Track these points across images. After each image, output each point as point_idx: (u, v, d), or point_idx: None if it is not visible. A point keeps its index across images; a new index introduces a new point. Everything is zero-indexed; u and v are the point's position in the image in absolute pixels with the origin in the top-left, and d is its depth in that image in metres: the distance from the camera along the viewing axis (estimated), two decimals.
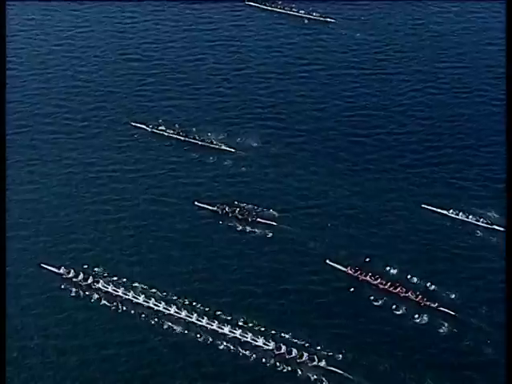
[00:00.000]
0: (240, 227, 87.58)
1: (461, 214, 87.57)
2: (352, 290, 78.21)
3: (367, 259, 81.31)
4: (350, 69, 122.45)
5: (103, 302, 77.83)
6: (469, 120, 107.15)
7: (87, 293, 78.84)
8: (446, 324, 73.84)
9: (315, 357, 69.62)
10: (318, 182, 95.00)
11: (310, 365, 69.48)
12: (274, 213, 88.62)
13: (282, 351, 70.39)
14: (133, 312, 76.46)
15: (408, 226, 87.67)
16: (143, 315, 75.96)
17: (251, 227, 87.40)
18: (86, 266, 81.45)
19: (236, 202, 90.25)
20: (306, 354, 69.75)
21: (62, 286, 79.69)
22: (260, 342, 71.48)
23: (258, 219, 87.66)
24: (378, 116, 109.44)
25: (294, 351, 70.34)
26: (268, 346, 71.09)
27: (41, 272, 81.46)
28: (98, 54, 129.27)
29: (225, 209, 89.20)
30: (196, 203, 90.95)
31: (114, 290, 78.32)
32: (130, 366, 70.85)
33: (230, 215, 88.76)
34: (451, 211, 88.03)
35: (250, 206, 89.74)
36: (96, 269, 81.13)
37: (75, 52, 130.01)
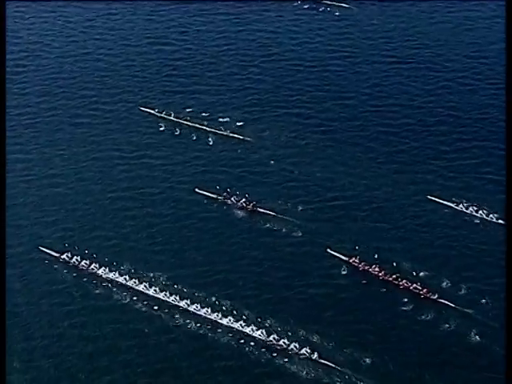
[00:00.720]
0: (254, 219, 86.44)
1: (478, 209, 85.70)
2: (345, 272, 77.86)
3: (356, 247, 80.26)
4: (380, 57, 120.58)
5: (115, 293, 77.02)
6: (502, 113, 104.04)
7: (96, 281, 78.25)
8: (451, 319, 72.61)
9: (308, 349, 68.77)
10: (343, 173, 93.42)
11: (302, 357, 68.66)
12: (300, 207, 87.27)
13: (280, 343, 69.78)
14: (143, 303, 75.55)
15: (433, 221, 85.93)
16: (154, 307, 74.99)
17: (266, 220, 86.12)
18: (106, 259, 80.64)
19: (247, 195, 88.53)
20: (304, 349, 68.97)
21: (75, 274, 79.21)
22: (270, 337, 70.65)
23: (259, 209, 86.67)
24: (408, 107, 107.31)
25: (293, 345, 69.49)
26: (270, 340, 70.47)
27: (57, 260, 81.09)
28: (126, 37, 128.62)
29: (230, 198, 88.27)
30: (196, 190, 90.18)
31: (125, 280, 77.60)
32: (141, 361, 69.93)
33: (230, 203, 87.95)
34: (471, 207, 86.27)
35: (251, 195, 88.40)
36: (116, 262, 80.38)
37: (104, 35, 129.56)
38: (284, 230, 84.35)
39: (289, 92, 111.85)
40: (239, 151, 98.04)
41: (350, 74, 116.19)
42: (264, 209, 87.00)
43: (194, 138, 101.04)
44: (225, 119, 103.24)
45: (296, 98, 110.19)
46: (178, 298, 75.08)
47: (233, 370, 68.58)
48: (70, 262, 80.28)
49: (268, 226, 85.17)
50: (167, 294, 75.67)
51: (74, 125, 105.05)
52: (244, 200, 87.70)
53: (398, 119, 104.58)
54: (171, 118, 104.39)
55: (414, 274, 76.93)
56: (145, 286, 76.65)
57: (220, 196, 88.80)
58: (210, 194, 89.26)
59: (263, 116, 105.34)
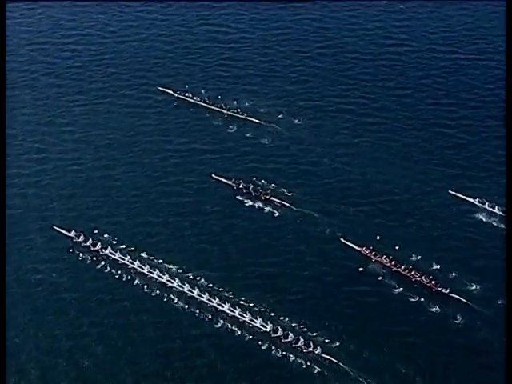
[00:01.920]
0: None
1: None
2: (361, 269, 76.06)
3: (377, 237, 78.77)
4: (440, 50, 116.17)
5: (152, 287, 76.19)
6: None
7: (136, 275, 77.24)
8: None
9: (311, 343, 68.20)
10: (392, 169, 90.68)
11: (305, 351, 68.02)
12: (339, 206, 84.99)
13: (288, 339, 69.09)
14: (179, 299, 74.58)
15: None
16: (188, 303, 74.03)
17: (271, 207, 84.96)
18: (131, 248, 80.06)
19: (272, 184, 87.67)
20: (302, 340, 68.58)
21: (108, 268, 78.30)
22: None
23: (272, 198, 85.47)
24: (468, 101, 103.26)
25: (291, 335, 69.17)
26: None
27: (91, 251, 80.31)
28: (179, 22, 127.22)
29: (244, 186, 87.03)
30: (213, 176, 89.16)
31: (161, 275, 76.60)
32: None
33: (245, 191, 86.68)
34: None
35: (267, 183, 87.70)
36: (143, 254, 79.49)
37: (159, 20, 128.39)
38: (314, 227, 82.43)
39: (344, 81, 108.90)
40: (291, 147, 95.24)
41: (409, 67, 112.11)
42: (258, 194, 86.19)
43: (249, 133, 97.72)
44: (279, 116, 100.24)
45: (352, 88, 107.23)
46: (219, 300, 73.53)
47: (268, 373, 67.31)
48: (111, 254, 79.28)
49: (310, 224, 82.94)
50: (207, 293, 74.20)
51: (123, 113, 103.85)
52: (241, 184, 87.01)
53: (455, 113, 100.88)
54: (177, 95, 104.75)
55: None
56: (180, 283, 75.45)
57: (236, 183, 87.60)
58: (226, 181, 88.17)
59: (315, 108, 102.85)
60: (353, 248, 78.38)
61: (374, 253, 77.23)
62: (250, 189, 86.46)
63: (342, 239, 79.51)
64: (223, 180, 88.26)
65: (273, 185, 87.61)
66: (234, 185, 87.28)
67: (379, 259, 76.66)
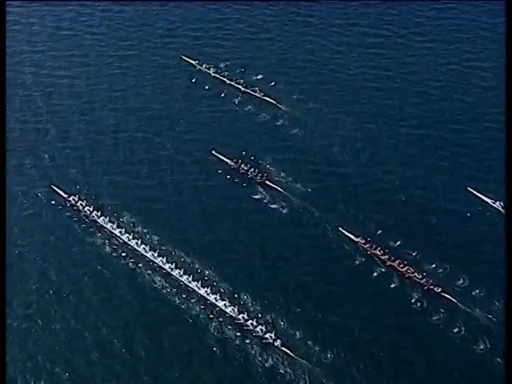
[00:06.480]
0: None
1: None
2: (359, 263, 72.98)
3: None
4: None
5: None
6: None
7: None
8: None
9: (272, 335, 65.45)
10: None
11: (264, 342, 65.31)
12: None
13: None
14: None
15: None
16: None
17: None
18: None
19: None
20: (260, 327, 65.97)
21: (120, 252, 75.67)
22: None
23: (267, 182, 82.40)
24: None
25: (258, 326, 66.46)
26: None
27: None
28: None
29: (241, 165, 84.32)
30: (214, 152, 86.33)
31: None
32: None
33: (241, 171, 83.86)
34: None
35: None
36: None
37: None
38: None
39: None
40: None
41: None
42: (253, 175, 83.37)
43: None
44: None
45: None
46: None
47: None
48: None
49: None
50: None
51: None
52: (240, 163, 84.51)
53: None
54: (198, 67, 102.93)
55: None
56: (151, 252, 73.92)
57: (234, 162, 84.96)
58: (224, 159, 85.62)
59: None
60: (350, 238, 75.04)
61: (369, 245, 73.90)
62: (250, 171, 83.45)
63: (339, 228, 76.27)
64: (223, 158, 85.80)
65: (282, 173, 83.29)
66: (233, 164, 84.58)
67: (374, 251, 73.42)
